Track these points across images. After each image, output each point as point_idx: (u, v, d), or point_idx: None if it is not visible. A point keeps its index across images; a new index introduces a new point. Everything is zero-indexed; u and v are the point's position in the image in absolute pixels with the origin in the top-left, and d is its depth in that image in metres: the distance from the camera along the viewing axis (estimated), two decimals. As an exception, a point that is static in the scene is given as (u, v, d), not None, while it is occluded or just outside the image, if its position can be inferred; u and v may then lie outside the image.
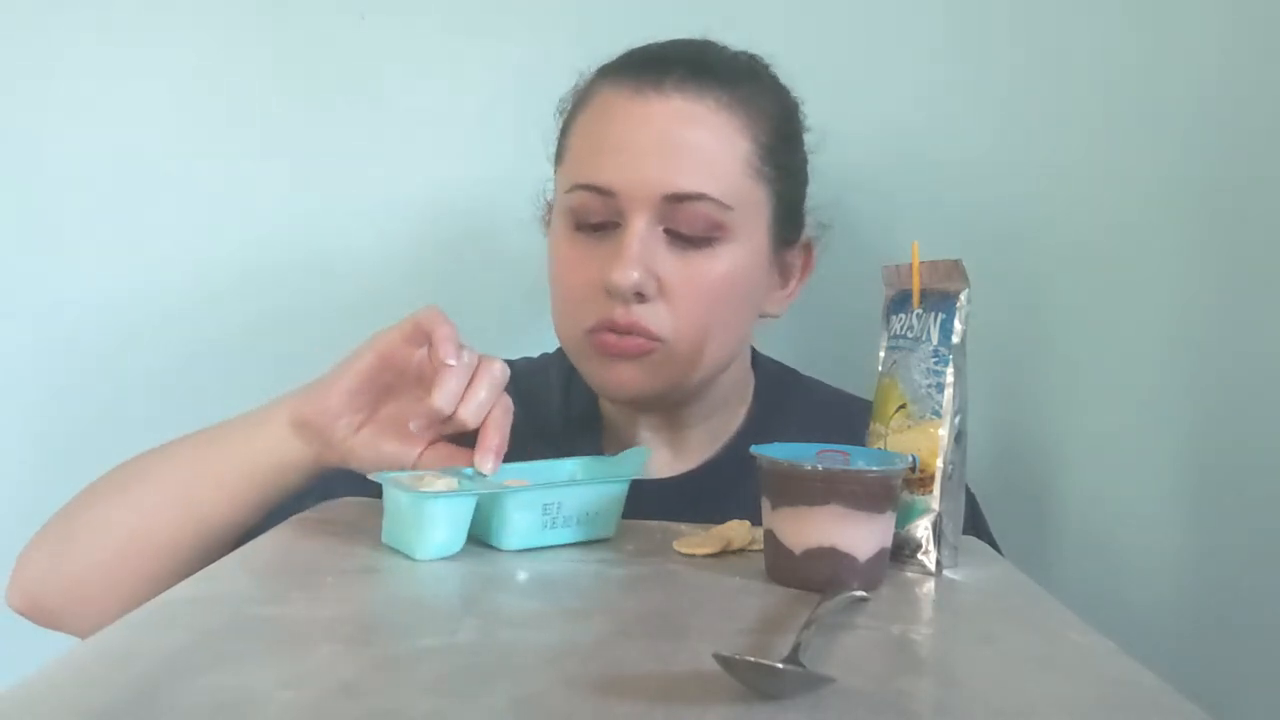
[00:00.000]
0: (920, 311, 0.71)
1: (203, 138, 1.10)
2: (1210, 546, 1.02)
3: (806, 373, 0.96)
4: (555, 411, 0.88)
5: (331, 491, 0.75)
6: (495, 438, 0.67)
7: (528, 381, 0.87)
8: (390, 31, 1.08)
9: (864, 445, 0.73)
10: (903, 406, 0.70)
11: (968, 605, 0.63)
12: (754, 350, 0.92)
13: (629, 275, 0.73)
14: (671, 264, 0.74)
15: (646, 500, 0.72)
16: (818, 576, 0.60)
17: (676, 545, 0.68)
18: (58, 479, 1.02)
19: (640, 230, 0.73)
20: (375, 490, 0.67)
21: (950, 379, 0.68)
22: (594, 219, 0.76)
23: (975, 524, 0.83)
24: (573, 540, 0.68)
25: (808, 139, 0.85)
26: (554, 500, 0.66)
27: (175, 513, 0.73)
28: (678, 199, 0.73)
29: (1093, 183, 1.03)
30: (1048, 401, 1.05)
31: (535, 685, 0.45)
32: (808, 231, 0.84)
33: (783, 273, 0.83)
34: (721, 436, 0.86)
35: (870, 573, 0.62)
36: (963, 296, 0.69)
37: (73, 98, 1.10)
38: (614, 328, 0.75)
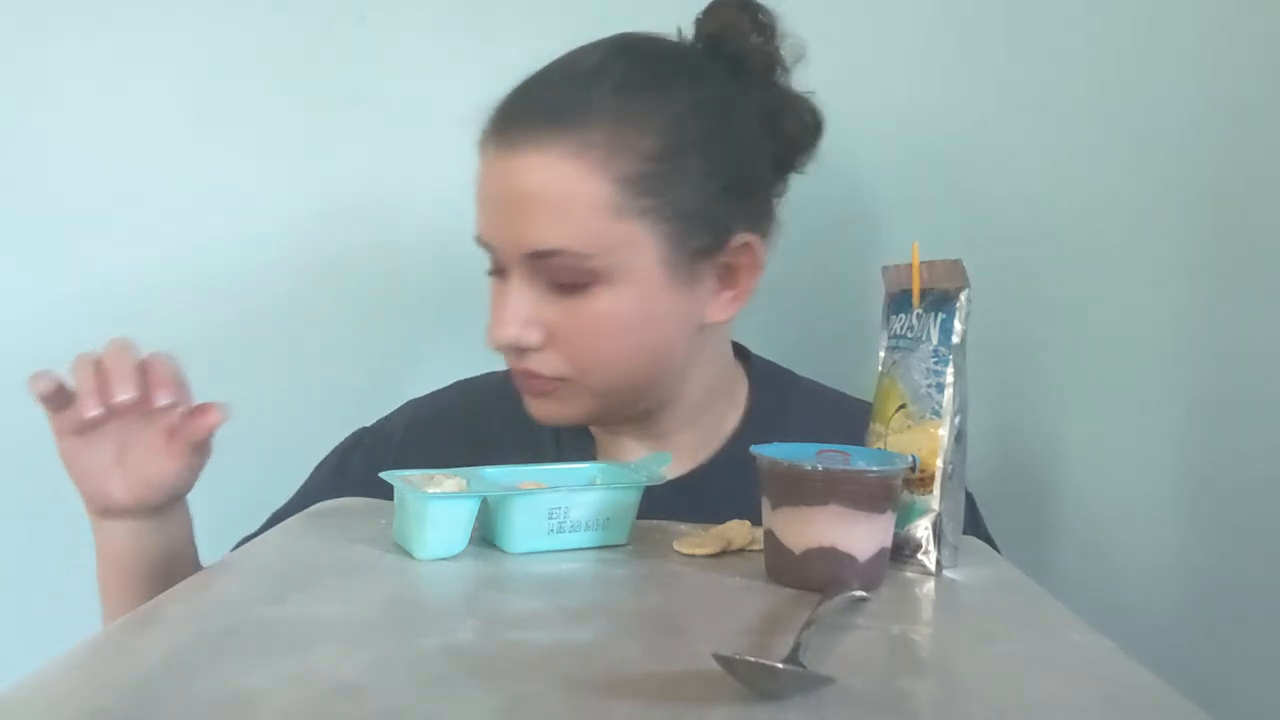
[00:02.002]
0: (920, 311, 0.71)
1: (202, 137, 1.10)
2: (1209, 546, 1.02)
3: (805, 373, 0.95)
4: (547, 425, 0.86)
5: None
6: (162, 378, 0.72)
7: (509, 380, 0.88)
8: (390, 31, 1.09)
9: (863, 445, 0.72)
10: (903, 406, 0.70)
11: (968, 605, 0.63)
12: (750, 353, 0.92)
13: (501, 336, 0.77)
14: (554, 311, 0.76)
15: (643, 503, 0.72)
16: (818, 576, 0.60)
17: (676, 545, 0.68)
18: (58, 478, 1.02)
19: (516, 285, 0.76)
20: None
21: (950, 379, 0.68)
22: (495, 265, 0.79)
23: (973, 525, 0.83)
24: (582, 545, 0.67)
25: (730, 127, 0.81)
26: (560, 505, 0.66)
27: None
28: (539, 255, 0.74)
29: (1093, 182, 1.03)
30: (1047, 401, 1.05)
31: (535, 685, 0.45)
32: (744, 230, 0.80)
33: (721, 277, 0.80)
34: (714, 440, 0.87)
35: (870, 573, 0.62)
36: (963, 296, 0.69)
37: (72, 97, 1.10)
38: (518, 371, 0.79)
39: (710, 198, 0.77)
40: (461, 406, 0.91)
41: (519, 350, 0.78)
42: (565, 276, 0.74)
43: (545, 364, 0.77)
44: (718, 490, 0.76)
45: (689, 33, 0.84)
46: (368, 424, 0.94)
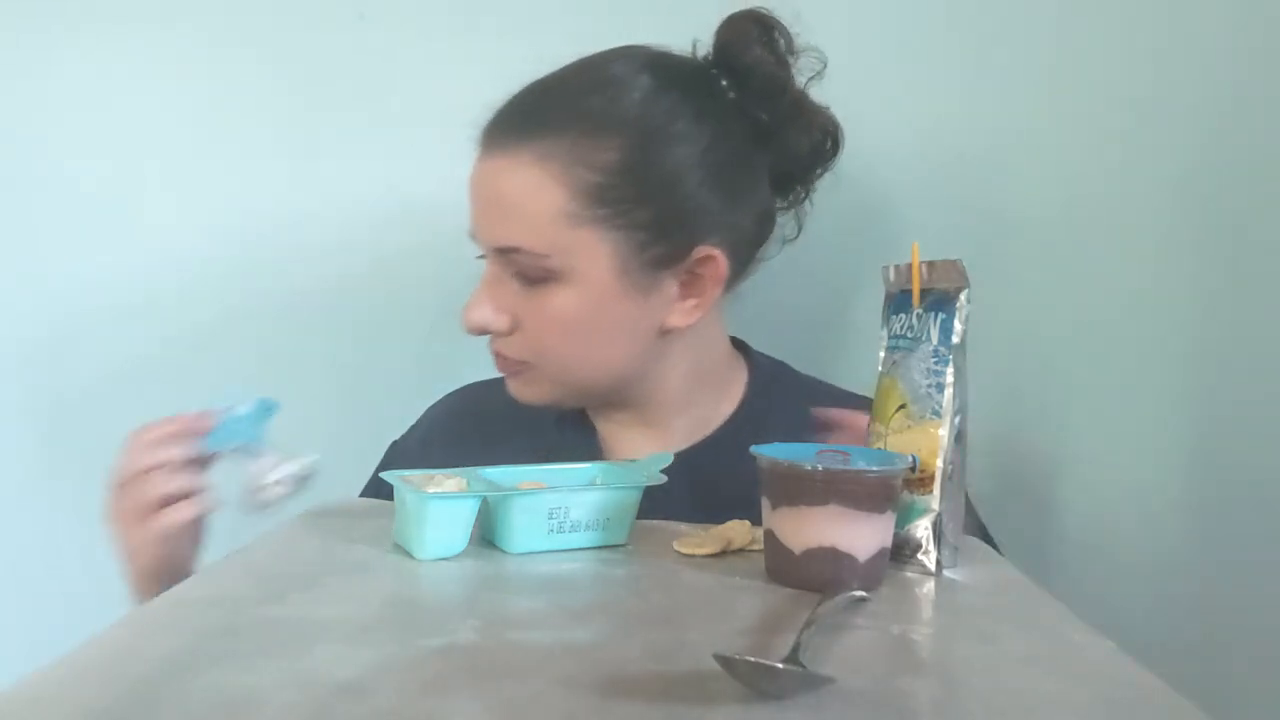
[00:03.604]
0: (920, 311, 0.71)
1: (202, 137, 1.10)
2: (1210, 546, 1.02)
3: (806, 372, 0.97)
4: (547, 410, 0.90)
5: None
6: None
7: None
8: (390, 31, 1.08)
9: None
10: (903, 406, 0.70)
11: (968, 605, 0.63)
12: (749, 348, 0.95)
13: (472, 320, 0.83)
14: (519, 300, 0.82)
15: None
16: (818, 576, 0.60)
17: (676, 545, 0.68)
18: (56, 475, 1.03)
19: (490, 274, 0.83)
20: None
21: (950, 379, 0.68)
22: (480, 254, 0.85)
23: (973, 526, 0.83)
24: (582, 545, 0.68)
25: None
26: (560, 505, 0.66)
27: None
28: (503, 250, 0.81)
29: (1094, 182, 1.03)
30: (1048, 401, 1.05)
31: (535, 685, 0.45)
32: (707, 242, 0.82)
33: (685, 285, 0.83)
34: (707, 426, 0.90)
35: (870, 573, 0.62)
36: (963, 296, 0.69)
37: (72, 97, 1.10)
38: (491, 351, 0.86)
39: (673, 211, 0.80)
40: (473, 406, 0.96)
41: (490, 333, 0.84)
42: (527, 271, 0.80)
43: (510, 347, 0.84)
44: (707, 469, 0.82)
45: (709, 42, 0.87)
46: (394, 435, 0.98)
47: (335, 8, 1.08)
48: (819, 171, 0.91)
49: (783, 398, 0.91)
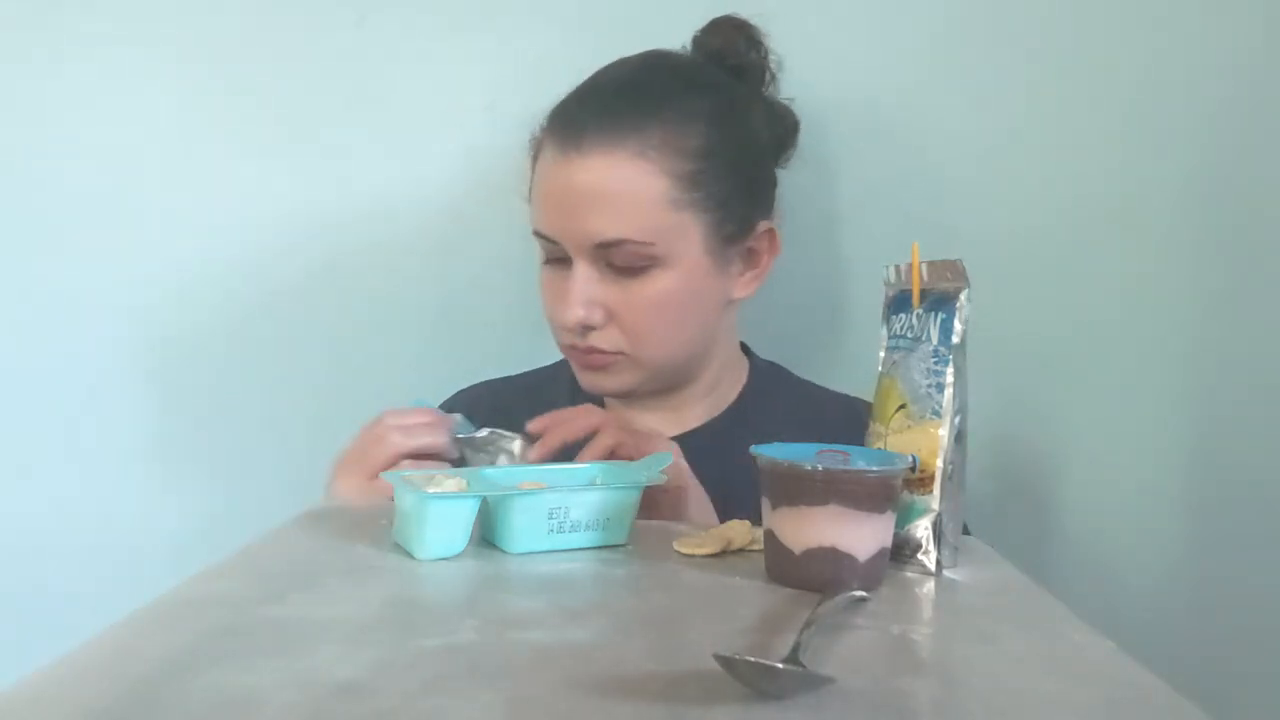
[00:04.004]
0: (920, 311, 0.71)
1: (202, 138, 1.10)
2: (1209, 546, 1.02)
3: (805, 373, 0.99)
4: (565, 404, 0.90)
5: None
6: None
7: (537, 381, 1.01)
8: (390, 31, 1.08)
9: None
10: (903, 406, 0.70)
11: (968, 605, 0.63)
12: (747, 347, 0.99)
13: (569, 317, 0.87)
14: (614, 292, 0.87)
15: None
16: (818, 576, 0.60)
17: (676, 545, 0.68)
18: (57, 478, 1.02)
19: (582, 272, 0.87)
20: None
21: (950, 379, 0.68)
22: (555, 255, 0.89)
23: None
24: (582, 545, 0.68)
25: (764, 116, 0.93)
26: (560, 505, 0.66)
27: None
28: (605, 245, 0.85)
29: (1094, 183, 1.03)
30: (1048, 401, 1.05)
31: (535, 685, 0.45)
32: (763, 218, 0.91)
33: (745, 259, 0.91)
34: (718, 408, 0.96)
35: (870, 573, 0.62)
36: (963, 296, 0.69)
37: (71, 97, 1.10)
38: (578, 348, 0.90)
39: (738, 190, 0.89)
40: (488, 398, 0.99)
41: (584, 328, 0.88)
42: (626, 262, 0.85)
43: (606, 340, 0.88)
44: (705, 449, 0.85)
45: (689, 47, 0.95)
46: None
47: (335, 10, 1.08)
48: (792, 153, 0.99)
49: (777, 397, 0.96)
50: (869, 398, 0.75)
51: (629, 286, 0.86)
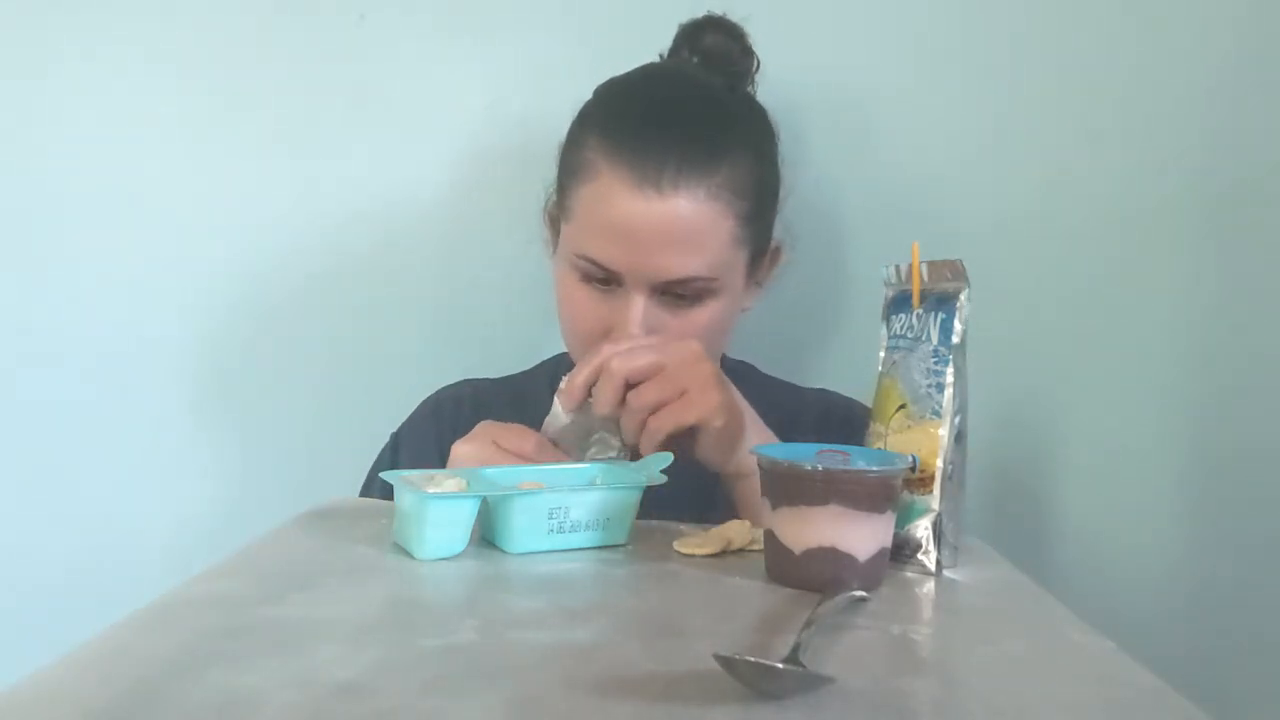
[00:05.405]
0: (920, 311, 0.71)
1: (202, 138, 1.10)
2: (1210, 546, 1.02)
3: (805, 373, 1.00)
4: (546, 406, 0.89)
5: None
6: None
7: (520, 387, 0.99)
8: (390, 31, 1.08)
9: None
10: (903, 406, 0.70)
11: (968, 605, 0.63)
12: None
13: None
14: (667, 318, 0.86)
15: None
16: (818, 576, 0.60)
17: (676, 545, 0.68)
18: (56, 479, 1.02)
19: (642, 303, 0.86)
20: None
21: (950, 379, 0.68)
22: (598, 277, 0.87)
23: None
24: (582, 545, 0.68)
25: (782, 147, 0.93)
26: (560, 505, 0.66)
27: None
28: (673, 281, 0.85)
29: (1093, 183, 1.03)
30: (1048, 401, 1.05)
31: (535, 685, 0.45)
32: (776, 237, 0.93)
33: (754, 273, 0.93)
34: None
35: (870, 573, 0.62)
36: (963, 296, 0.69)
37: (72, 98, 1.10)
38: None
39: (771, 212, 0.92)
40: (470, 396, 0.99)
41: None
42: (687, 292, 0.86)
43: None
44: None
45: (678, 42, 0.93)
46: (374, 427, 0.98)
47: (336, 9, 1.08)
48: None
49: (748, 396, 0.92)
50: (868, 398, 0.75)
51: (682, 313, 0.87)
